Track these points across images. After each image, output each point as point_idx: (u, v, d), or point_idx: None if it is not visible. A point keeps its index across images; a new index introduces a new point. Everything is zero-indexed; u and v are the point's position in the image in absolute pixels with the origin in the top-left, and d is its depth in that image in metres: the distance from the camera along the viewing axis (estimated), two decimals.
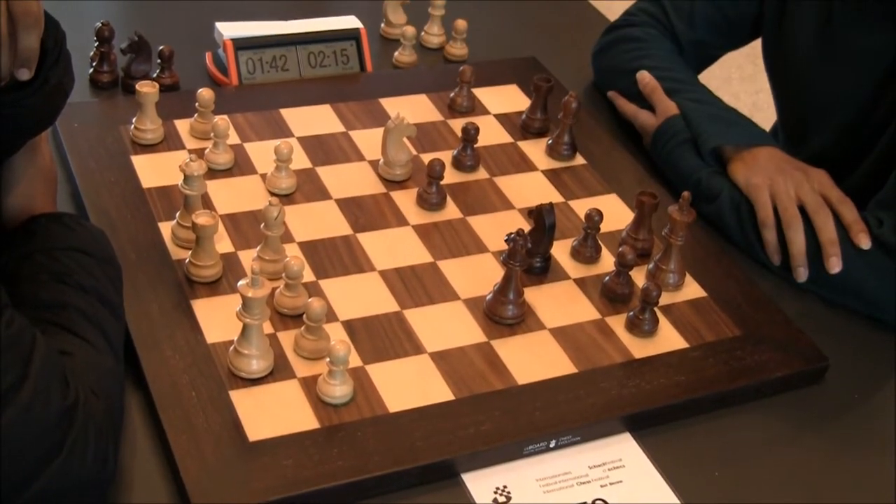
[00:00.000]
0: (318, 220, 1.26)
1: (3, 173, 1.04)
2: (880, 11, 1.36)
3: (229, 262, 1.17)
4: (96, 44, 1.44)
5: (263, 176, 1.31)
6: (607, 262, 1.26)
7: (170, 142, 1.34)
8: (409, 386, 1.07)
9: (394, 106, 1.47)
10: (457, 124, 1.44)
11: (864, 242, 1.26)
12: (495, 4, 1.83)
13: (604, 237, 1.28)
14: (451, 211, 1.31)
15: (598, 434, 1.08)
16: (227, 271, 1.16)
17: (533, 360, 1.13)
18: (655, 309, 1.18)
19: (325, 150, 1.38)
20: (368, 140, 1.40)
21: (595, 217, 1.24)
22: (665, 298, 1.20)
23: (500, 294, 1.16)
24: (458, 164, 1.39)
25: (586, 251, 1.27)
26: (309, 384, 1.05)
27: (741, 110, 1.47)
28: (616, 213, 1.34)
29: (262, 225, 1.15)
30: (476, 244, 1.27)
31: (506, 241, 1.14)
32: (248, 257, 1.18)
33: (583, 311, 1.20)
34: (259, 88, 1.47)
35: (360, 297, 1.17)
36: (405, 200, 1.32)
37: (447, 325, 1.15)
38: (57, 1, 1.25)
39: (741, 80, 3.41)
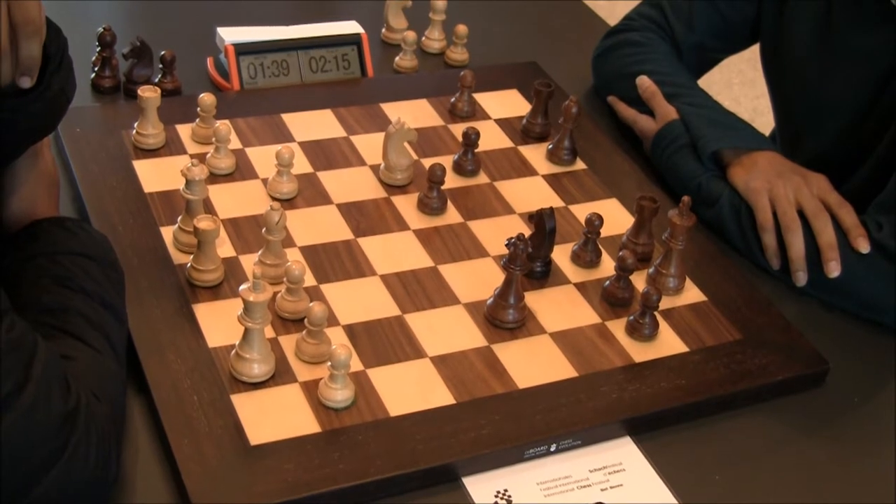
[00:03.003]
0: (319, 225, 1.27)
1: (6, 178, 1.04)
2: (879, 12, 1.36)
3: (231, 267, 1.18)
4: (98, 49, 1.44)
5: (265, 180, 1.31)
6: (608, 266, 1.26)
7: (171, 146, 1.34)
8: (410, 390, 1.07)
9: (395, 111, 1.47)
10: (457, 129, 1.44)
11: (864, 246, 1.27)
12: (496, 9, 1.83)
13: (604, 241, 1.29)
14: (452, 215, 1.32)
15: (598, 438, 1.08)
16: (229, 276, 1.16)
17: (533, 364, 1.13)
18: (656, 313, 1.18)
19: (326, 154, 1.38)
20: (369, 145, 1.40)
21: (595, 221, 1.25)
22: (665, 302, 1.20)
23: (500, 298, 1.16)
24: (458, 168, 1.39)
25: (587, 255, 1.27)
26: (310, 388, 1.05)
27: (742, 115, 1.47)
28: (616, 218, 1.34)
29: (263, 229, 1.15)
30: (477, 248, 1.27)
31: (506, 245, 1.14)
32: (249, 262, 1.18)
33: (583, 315, 1.20)
34: (260, 93, 1.47)
35: (361, 301, 1.17)
36: (406, 205, 1.32)
37: (448, 330, 1.15)
38: (59, 3, 1.25)
39: (742, 85, 3.41)
